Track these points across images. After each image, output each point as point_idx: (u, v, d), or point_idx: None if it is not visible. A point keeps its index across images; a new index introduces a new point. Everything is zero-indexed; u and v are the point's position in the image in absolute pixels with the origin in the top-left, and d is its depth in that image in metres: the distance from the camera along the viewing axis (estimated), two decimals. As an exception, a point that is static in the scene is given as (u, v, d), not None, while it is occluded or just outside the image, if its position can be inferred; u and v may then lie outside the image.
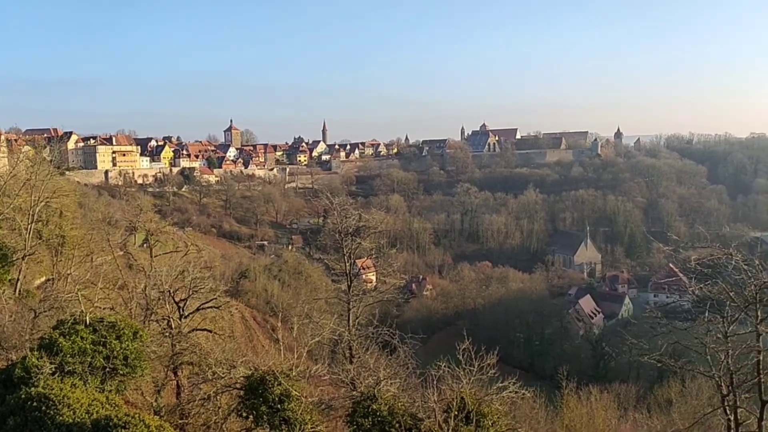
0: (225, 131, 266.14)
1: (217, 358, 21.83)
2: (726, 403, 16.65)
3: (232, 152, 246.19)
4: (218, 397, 21.02)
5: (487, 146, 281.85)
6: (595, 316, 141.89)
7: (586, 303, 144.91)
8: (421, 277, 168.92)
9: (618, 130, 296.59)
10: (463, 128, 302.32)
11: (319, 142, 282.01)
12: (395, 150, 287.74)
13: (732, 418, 16.46)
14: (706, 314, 17.88)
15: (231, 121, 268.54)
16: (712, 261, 19.36)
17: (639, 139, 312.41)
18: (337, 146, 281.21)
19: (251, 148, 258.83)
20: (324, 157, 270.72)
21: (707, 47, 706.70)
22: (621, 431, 34.05)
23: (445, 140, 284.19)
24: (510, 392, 17.42)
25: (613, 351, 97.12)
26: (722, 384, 16.73)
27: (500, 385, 17.52)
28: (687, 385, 43.54)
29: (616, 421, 35.58)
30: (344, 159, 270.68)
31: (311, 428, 17.07)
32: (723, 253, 18.05)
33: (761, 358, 16.00)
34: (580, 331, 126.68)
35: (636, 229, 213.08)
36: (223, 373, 20.01)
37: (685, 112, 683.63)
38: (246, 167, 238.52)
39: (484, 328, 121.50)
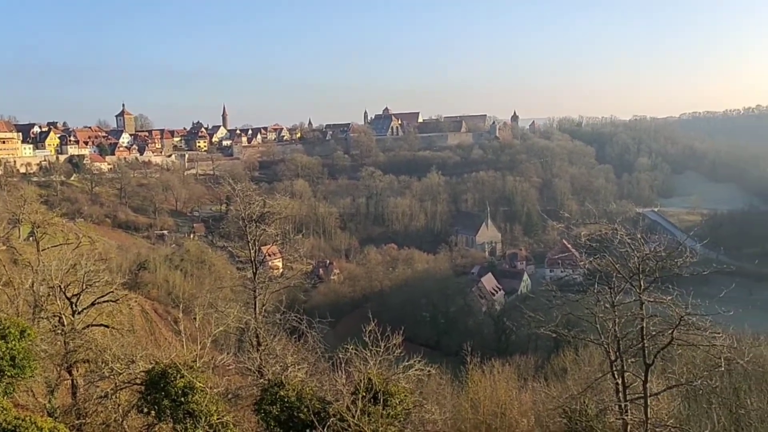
0: (117, 116, 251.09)
1: (114, 354, 20.84)
2: (614, 368, 17.80)
3: (125, 138, 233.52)
4: (117, 394, 20.13)
5: (390, 130, 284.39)
6: (497, 292, 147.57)
7: (488, 281, 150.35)
8: (328, 261, 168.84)
9: (514, 113, 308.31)
10: (366, 112, 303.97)
11: (219, 127, 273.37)
12: (299, 135, 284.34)
13: (620, 382, 17.64)
14: (596, 286, 18.91)
15: (123, 105, 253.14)
16: (600, 236, 20.47)
17: (534, 122, 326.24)
18: (238, 131, 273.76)
19: (146, 134, 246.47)
20: (225, 143, 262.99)
21: (592, 39, 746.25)
22: (521, 400, 35.52)
23: (349, 124, 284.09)
24: (416, 370, 17.80)
25: (513, 325, 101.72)
26: (611, 350, 17.86)
27: (406, 364, 17.87)
28: (580, 354, 46.05)
29: (516, 391, 37.06)
30: (246, 144, 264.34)
31: (217, 419, 16.70)
32: (609, 229, 19.14)
33: (644, 324, 17.20)
34: (483, 308, 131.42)
35: (532, 208, 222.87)
36: (121, 369, 19.17)
37: (574, 97, 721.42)
38: (141, 154, 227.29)
39: (391, 309, 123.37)
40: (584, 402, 23.96)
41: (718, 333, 16.53)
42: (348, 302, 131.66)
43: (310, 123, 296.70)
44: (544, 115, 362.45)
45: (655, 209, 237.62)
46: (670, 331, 16.88)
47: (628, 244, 18.11)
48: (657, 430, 17.28)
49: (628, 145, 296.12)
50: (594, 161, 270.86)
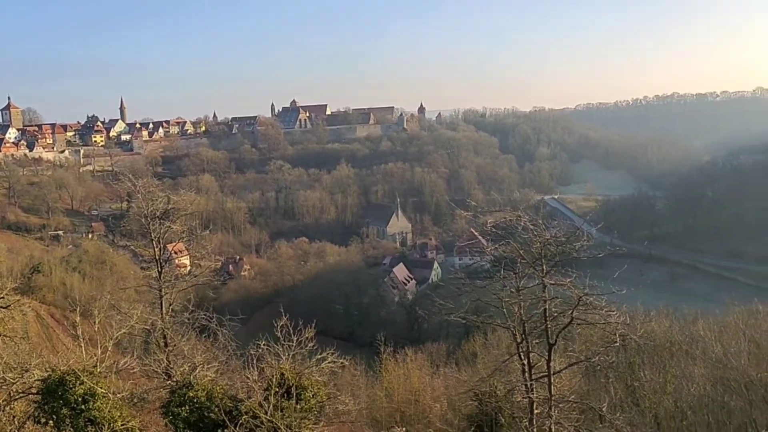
0: (2, 110, 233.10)
1: (6, 363, 19.44)
2: (520, 350, 18.52)
3: (12, 133, 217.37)
4: (11, 405, 18.82)
5: (298, 122, 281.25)
6: (408, 282, 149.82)
7: (400, 271, 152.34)
8: (237, 257, 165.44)
9: (421, 105, 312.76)
10: (273, 105, 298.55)
11: (117, 121, 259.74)
12: (203, 128, 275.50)
13: (526, 363, 18.38)
14: (501, 272, 19.51)
15: (9, 98, 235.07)
16: (504, 223, 21.13)
17: (440, 113, 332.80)
18: (138, 125, 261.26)
19: (36, 128, 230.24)
20: (124, 137, 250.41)
21: (494, 33, 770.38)
22: (434, 386, 36.44)
23: (256, 117, 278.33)
24: (329, 363, 17.78)
25: (425, 313, 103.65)
26: (516, 333, 18.56)
27: (319, 357, 17.81)
28: (489, 338, 47.61)
29: (429, 377, 38.01)
30: (147, 139, 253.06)
31: (122, 425, 15.96)
32: (513, 216, 19.77)
33: (547, 306, 17.99)
34: (396, 298, 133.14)
35: (441, 198, 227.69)
36: (14, 379, 17.90)
37: (478, 89, 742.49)
38: (31, 150, 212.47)
39: (303, 303, 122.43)
40: (493, 384, 24.87)
41: (613, 311, 17.56)
42: (260, 298, 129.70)
43: (215, 116, 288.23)
44: (450, 106, 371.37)
45: (555, 196, 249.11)
46: (570, 312, 17.76)
47: (530, 231, 18.80)
48: (560, 405, 18.17)
49: (529, 135, 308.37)
50: (498, 151, 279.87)
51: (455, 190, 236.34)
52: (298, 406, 15.83)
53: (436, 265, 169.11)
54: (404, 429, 23.83)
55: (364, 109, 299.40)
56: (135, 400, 18.16)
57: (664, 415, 31.72)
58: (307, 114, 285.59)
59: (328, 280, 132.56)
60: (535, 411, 17.85)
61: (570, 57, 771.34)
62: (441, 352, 63.22)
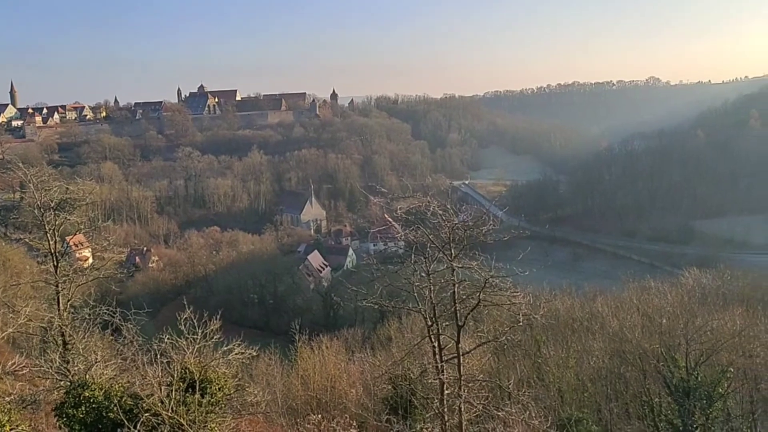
0: None
1: None
2: (431, 332, 18.91)
3: None
4: None
5: (206, 108, 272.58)
6: (324, 269, 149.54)
7: (315, 258, 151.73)
8: (145, 248, 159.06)
9: (333, 91, 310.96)
10: (179, 90, 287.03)
11: (6, 105, 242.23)
12: (104, 113, 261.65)
13: (436, 345, 18.79)
14: (412, 256, 19.78)
15: None
16: (415, 209, 21.39)
17: (353, 100, 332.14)
18: (31, 110, 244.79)
19: None
20: (15, 123, 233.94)
21: (403, 20, 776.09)
22: (349, 372, 36.67)
23: (161, 102, 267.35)
24: (236, 354, 17.44)
25: (341, 300, 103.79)
26: (427, 316, 18.92)
27: (226, 348, 17.44)
28: (403, 322, 48.30)
29: (345, 363, 38.19)
30: (41, 125, 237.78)
31: (10, 429, 14.95)
32: (423, 202, 20.03)
33: (456, 289, 18.44)
34: (311, 285, 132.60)
35: (355, 184, 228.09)
36: None
37: (390, 75, 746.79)
38: None
39: (217, 293, 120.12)
40: (407, 366, 25.35)
41: (518, 292, 18.24)
42: (170, 290, 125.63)
43: (116, 101, 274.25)
44: (363, 93, 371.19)
45: (466, 182, 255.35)
46: (477, 294, 18.27)
47: (439, 216, 19.14)
48: (469, 384, 18.73)
49: (441, 122, 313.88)
50: (410, 137, 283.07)
51: (369, 176, 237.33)
52: (204, 401, 15.43)
53: (351, 251, 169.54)
54: (320, 416, 23.78)
55: (275, 95, 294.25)
56: (25, 403, 17.09)
57: (567, 388, 33.49)
58: (216, 99, 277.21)
59: (242, 269, 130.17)
60: (446, 391, 18.31)
61: (479, 46, 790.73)
62: (357, 337, 63.53)
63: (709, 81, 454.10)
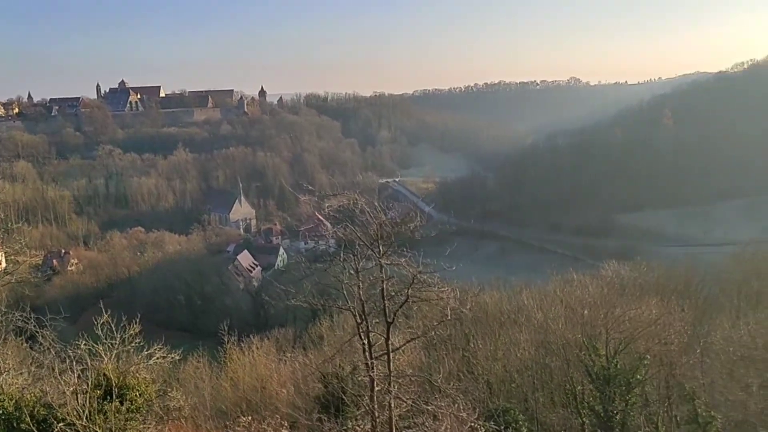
0: None
1: None
2: (361, 330, 18.88)
3: None
4: None
5: (128, 105, 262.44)
6: (254, 269, 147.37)
7: (244, 258, 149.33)
8: (63, 251, 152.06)
9: (262, 88, 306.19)
10: (98, 85, 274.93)
11: None
12: (16, 110, 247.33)
13: (366, 342, 18.78)
14: (341, 254, 19.69)
15: None
16: (344, 207, 21.29)
17: (281, 97, 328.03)
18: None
19: None
20: None
21: (331, 18, 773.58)
22: (280, 372, 36.21)
23: (79, 98, 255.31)
24: (158, 358, 16.85)
25: (271, 299, 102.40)
26: (357, 314, 18.88)
27: (146, 353, 16.82)
28: (335, 320, 48.13)
29: (275, 363, 37.69)
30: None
31: None
32: (352, 199, 19.97)
33: (384, 286, 18.47)
34: (240, 285, 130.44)
35: (285, 182, 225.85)
36: None
37: (320, 73, 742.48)
38: None
39: (142, 295, 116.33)
40: (338, 364, 25.25)
41: (446, 287, 18.45)
42: (92, 293, 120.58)
43: (29, 97, 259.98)
44: (291, 90, 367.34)
45: (396, 179, 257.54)
46: (406, 290, 18.38)
47: (368, 213, 19.11)
48: (399, 380, 18.83)
49: (371, 119, 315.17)
50: (341, 135, 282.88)
51: (299, 174, 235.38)
52: (123, 408, 14.82)
53: (281, 250, 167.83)
54: (250, 417, 23.35)
55: (201, 91, 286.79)
56: None
57: (495, 380, 34.27)
58: (138, 96, 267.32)
59: (168, 270, 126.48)
60: (376, 388, 18.32)
61: (408, 45, 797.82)
62: (288, 337, 62.86)
63: (626, 82, 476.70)
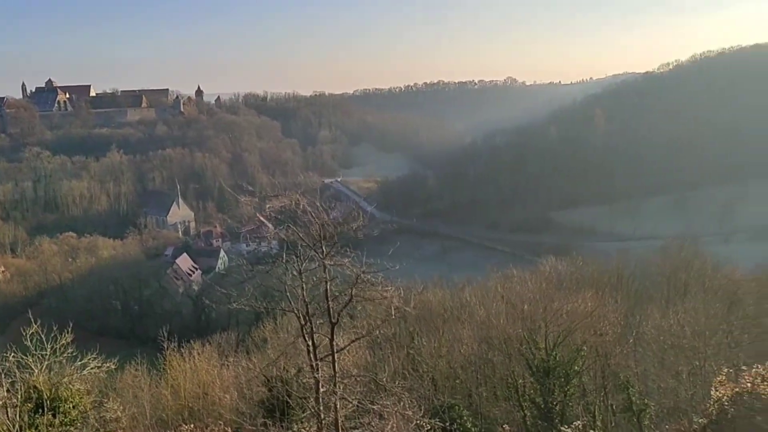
0: None
1: None
2: (305, 331, 18.75)
3: None
4: None
5: (56, 105, 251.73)
6: (194, 272, 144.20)
7: (184, 261, 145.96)
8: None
9: (198, 88, 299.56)
10: (24, 85, 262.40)
11: None
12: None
13: (310, 343, 18.66)
14: (284, 256, 19.51)
15: None
16: (287, 208, 21.09)
17: (219, 96, 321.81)
18: None
19: None
20: None
21: (267, 17, 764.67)
22: (223, 377, 35.54)
23: (3, 98, 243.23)
24: (92, 368, 16.25)
25: (212, 303, 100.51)
26: (300, 315, 18.74)
27: (80, 363, 16.19)
28: (279, 322, 47.62)
29: (218, 369, 36.94)
30: None
31: None
32: (294, 200, 19.80)
33: (328, 287, 18.41)
34: (180, 290, 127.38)
35: (225, 183, 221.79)
36: None
37: (258, 73, 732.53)
38: None
39: (75, 303, 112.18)
40: (282, 367, 24.97)
41: (389, 286, 18.54)
42: (20, 302, 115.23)
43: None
44: (229, 90, 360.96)
45: (338, 179, 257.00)
46: (349, 290, 18.37)
47: (310, 213, 19.00)
48: (344, 381, 18.80)
49: (311, 119, 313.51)
50: (281, 135, 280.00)
51: (239, 175, 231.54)
52: (56, 421, 14.23)
53: (222, 253, 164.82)
54: (192, 425, 22.83)
55: (135, 91, 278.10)
56: None
57: (440, 376, 34.69)
58: (67, 95, 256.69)
59: (103, 275, 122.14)
60: (321, 389, 18.25)
61: (346, 45, 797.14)
62: (231, 341, 61.79)
63: (560, 82, 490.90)
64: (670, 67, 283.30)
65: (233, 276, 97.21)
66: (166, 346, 39.19)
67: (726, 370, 23.33)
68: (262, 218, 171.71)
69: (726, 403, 20.03)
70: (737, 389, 19.97)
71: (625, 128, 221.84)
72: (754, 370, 20.03)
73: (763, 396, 18.80)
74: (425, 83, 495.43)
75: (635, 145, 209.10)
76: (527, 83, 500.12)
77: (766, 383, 18.96)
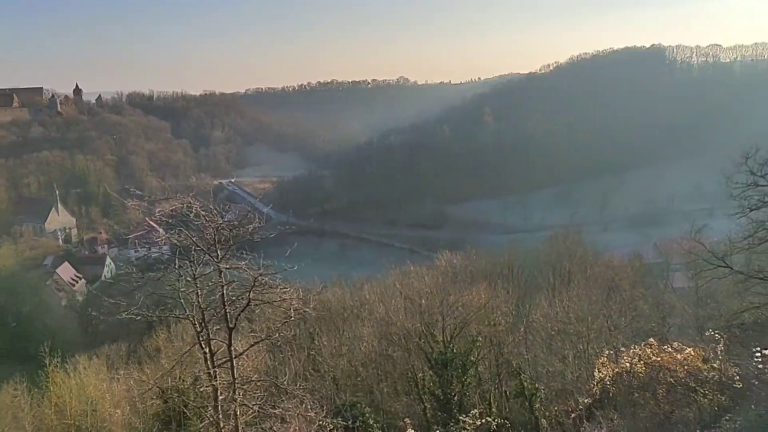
0: None
1: None
2: (201, 338, 18.20)
3: None
4: None
5: None
6: (77, 282, 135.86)
7: (65, 271, 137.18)
8: None
9: (77, 86, 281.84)
10: None
11: None
12: None
13: (207, 350, 18.14)
14: (176, 261, 18.88)
15: None
16: (178, 211, 20.43)
17: (100, 95, 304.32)
18: None
19: None
20: None
21: (155, 15, 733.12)
22: (113, 391, 33.83)
23: None
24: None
25: (99, 315, 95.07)
26: (196, 322, 18.18)
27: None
28: (173, 331, 45.99)
29: (107, 383, 35.11)
30: None
31: None
32: (185, 203, 19.21)
33: (224, 291, 17.98)
34: (62, 301, 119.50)
35: (110, 187, 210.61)
36: None
37: (143, 70, 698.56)
38: None
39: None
40: (178, 377, 24.12)
41: (287, 288, 18.39)
42: None
43: None
44: (112, 88, 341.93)
45: (232, 180, 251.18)
46: (247, 293, 18.06)
47: (203, 216, 18.49)
48: (244, 387, 18.46)
49: (202, 119, 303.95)
50: (170, 136, 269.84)
51: (126, 179, 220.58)
52: None
53: (108, 260, 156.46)
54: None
55: (5, 90, 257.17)
56: None
57: (341, 375, 34.85)
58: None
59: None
60: (220, 397, 17.81)
61: (236, 42, 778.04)
62: (120, 353, 59.18)
63: (450, 81, 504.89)
64: (551, 68, 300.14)
65: (122, 284, 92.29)
66: (48, 362, 36.77)
67: (607, 352, 25.13)
68: (151, 223, 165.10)
69: (608, 383, 21.57)
70: (617, 369, 21.55)
71: (512, 126, 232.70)
72: (631, 350, 21.68)
73: (639, 374, 20.39)
74: (319, 82, 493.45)
75: (521, 141, 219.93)
76: (419, 83, 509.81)
77: (641, 362, 20.57)
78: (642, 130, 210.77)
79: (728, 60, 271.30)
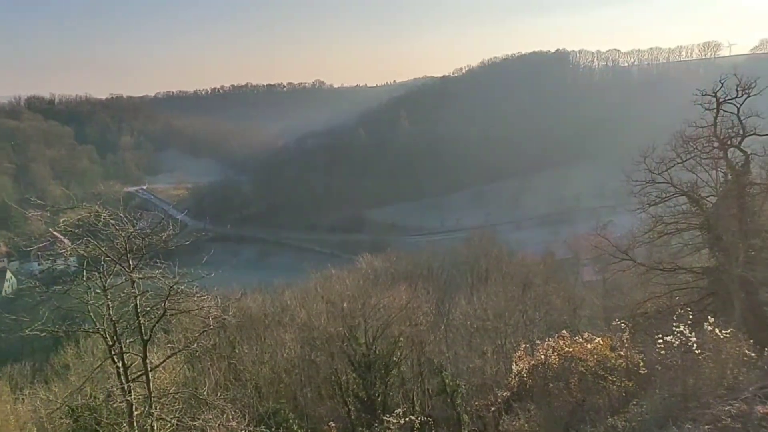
0: None
1: None
2: (113, 352, 17.47)
3: None
4: None
5: None
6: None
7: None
8: None
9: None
10: None
11: None
12: None
13: (120, 364, 17.42)
14: (85, 273, 18.07)
15: None
16: (85, 220, 19.54)
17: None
18: None
19: None
20: None
21: (56, 13, 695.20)
22: (17, 412, 31.81)
23: None
24: None
25: (0, 332, 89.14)
26: (107, 335, 17.44)
27: None
28: (82, 346, 43.72)
29: (11, 405, 32.97)
30: None
31: None
32: (92, 212, 18.40)
33: (138, 302, 17.33)
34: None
35: (8, 198, 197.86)
36: None
37: (42, 73, 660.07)
38: None
39: None
40: (89, 394, 22.90)
41: (205, 296, 17.95)
42: None
43: None
44: (7, 92, 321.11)
45: (144, 187, 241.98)
46: (162, 303, 17.50)
47: (112, 225, 17.78)
48: (161, 400, 17.84)
49: (109, 124, 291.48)
50: (75, 142, 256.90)
51: (26, 188, 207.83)
52: None
53: (9, 274, 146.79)
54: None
55: None
56: None
57: (264, 383, 34.28)
58: None
59: None
60: (135, 412, 17.13)
61: (144, 43, 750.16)
62: (24, 372, 55.65)
63: (366, 84, 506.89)
64: (463, 71, 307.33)
65: (24, 299, 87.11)
66: (-58, 388, 34.11)
67: (524, 345, 26.01)
68: (56, 234, 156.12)
69: (524, 376, 22.33)
70: (533, 362, 22.34)
71: (427, 129, 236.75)
72: (546, 343, 22.54)
73: (554, 365, 21.22)
74: (233, 85, 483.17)
75: (436, 144, 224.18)
76: (335, 85, 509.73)
77: (555, 354, 21.43)
78: (549, 132, 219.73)
79: (626, 64, 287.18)
